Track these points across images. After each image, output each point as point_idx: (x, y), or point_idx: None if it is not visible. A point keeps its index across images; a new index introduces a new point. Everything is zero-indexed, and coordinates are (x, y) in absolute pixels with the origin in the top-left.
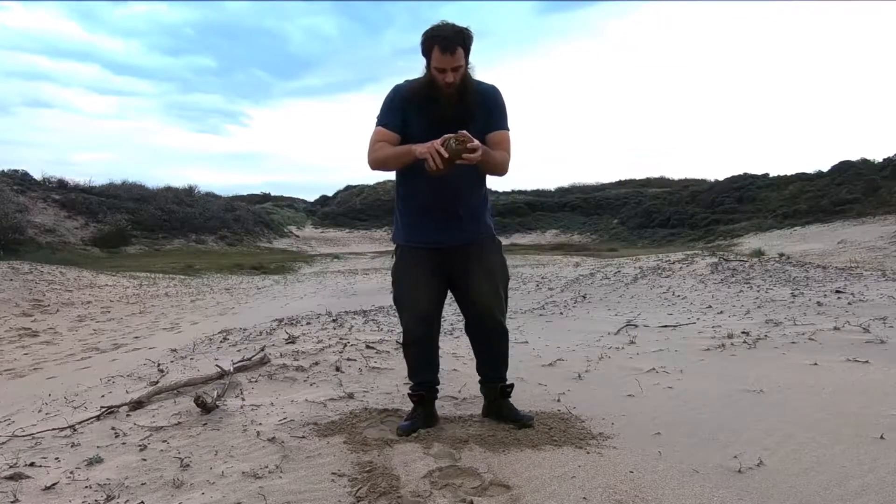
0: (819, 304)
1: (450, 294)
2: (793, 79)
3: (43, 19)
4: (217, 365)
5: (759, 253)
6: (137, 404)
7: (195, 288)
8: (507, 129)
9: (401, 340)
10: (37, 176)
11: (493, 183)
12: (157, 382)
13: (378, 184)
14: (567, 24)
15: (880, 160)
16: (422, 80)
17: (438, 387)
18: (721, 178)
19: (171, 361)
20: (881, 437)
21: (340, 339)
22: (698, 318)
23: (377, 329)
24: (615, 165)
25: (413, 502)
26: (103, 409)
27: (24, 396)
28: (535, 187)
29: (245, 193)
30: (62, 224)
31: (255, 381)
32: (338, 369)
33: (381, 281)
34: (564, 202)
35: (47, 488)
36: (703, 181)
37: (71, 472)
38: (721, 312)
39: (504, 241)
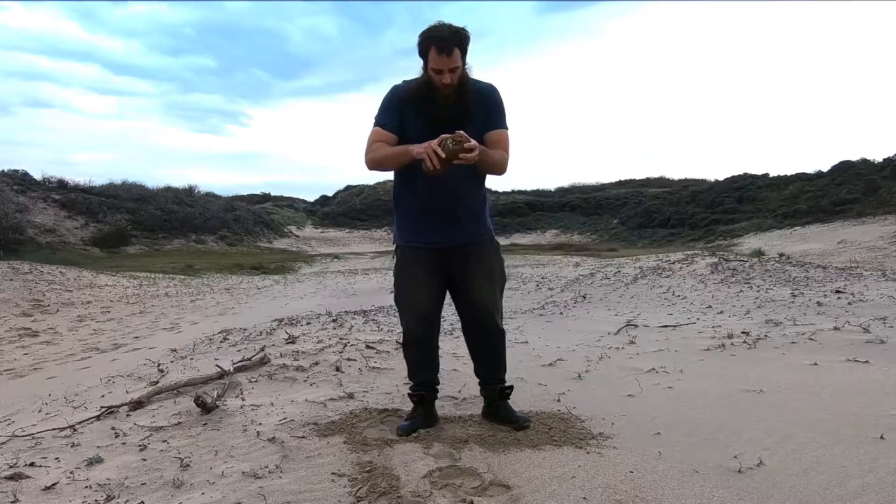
0: (819, 304)
1: (449, 294)
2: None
3: (43, 19)
4: (217, 365)
5: (759, 253)
6: (137, 404)
7: (195, 288)
8: (506, 128)
9: (401, 340)
10: (37, 176)
11: (492, 183)
12: (157, 382)
13: (378, 184)
14: (567, 24)
15: (880, 160)
16: (419, 81)
17: (438, 387)
18: (721, 178)
19: (171, 361)
20: (881, 437)
21: (340, 339)
22: (698, 318)
23: (377, 329)
24: (615, 165)
25: (413, 502)
26: (103, 409)
27: (24, 396)
28: (535, 187)
29: (245, 193)
30: (62, 224)
31: (255, 381)
32: (338, 369)
33: (381, 281)
34: (564, 202)
35: (47, 488)
36: (703, 181)
37: (71, 472)
38: (721, 312)
39: (504, 241)
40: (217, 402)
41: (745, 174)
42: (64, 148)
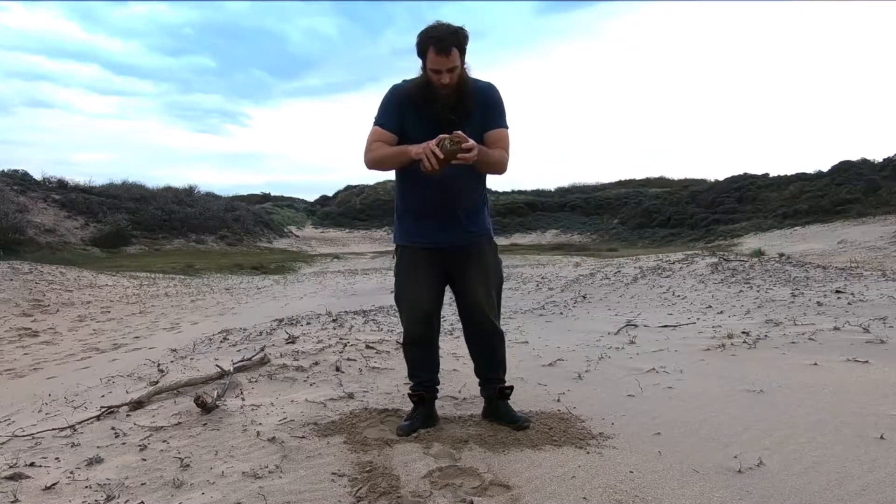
0: (819, 304)
1: (449, 294)
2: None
3: (43, 19)
4: (217, 365)
5: (759, 253)
6: (137, 404)
7: (195, 288)
8: (506, 127)
9: (401, 340)
10: (37, 176)
11: (493, 183)
12: (157, 382)
13: (378, 184)
14: (566, 25)
15: (880, 160)
16: (418, 81)
17: (438, 387)
18: (721, 178)
19: (171, 361)
20: (881, 437)
21: (340, 339)
22: (698, 318)
23: (377, 329)
24: (615, 165)
25: (413, 502)
26: (103, 409)
27: (24, 396)
28: (535, 187)
29: (245, 193)
30: (62, 224)
31: (255, 381)
32: (338, 369)
33: (381, 281)
34: (564, 202)
35: (47, 488)
36: (703, 181)
37: (71, 472)
38: (721, 312)
39: (504, 241)
40: (217, 402)
41: (745, 174)
42: (64, 148)
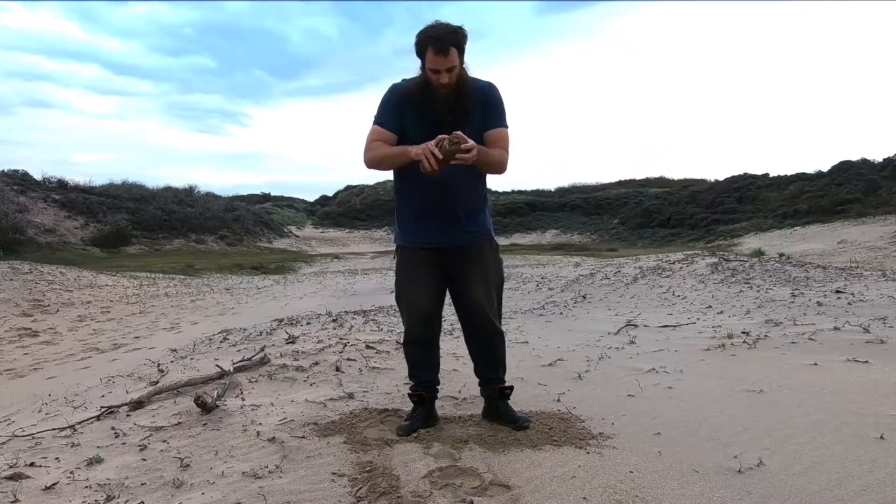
0: (819, 304)
1: (449, 294)
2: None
3: (43, 19)
4: (217, 365)
5: (759, 253)
6: (137, 404)
7: (195, 288)
8: (506, 127)
9: (401, 340)
10: (37, 176)
11: (493, 183)
12: (157, 382)
13: (378, 184)
14: (566, 25)
15: (880, 160)
16: (417, 81)
17: (438, 387)
18: (721, 178)
19: (171, 361)
20: (881, 437)
21: (340, 339)
22: (698, 318)
23: (377, 329)
24: (615, 165)
25: (413, 502)
26: (103, 409)
27: (24, 396)
28: (535, 187)
29: (245, 193)
30: (62, 224)
31: (255, 381)
32: (338, 369)
33: (381, 281)
34: (564, 202)
35: (47, 488)
36: (703, 181)
37: (71, 472)
38: (721, 312)
39: (504, 241)
40: (217, 402)
41: (745, 174)
42: (64, 148)
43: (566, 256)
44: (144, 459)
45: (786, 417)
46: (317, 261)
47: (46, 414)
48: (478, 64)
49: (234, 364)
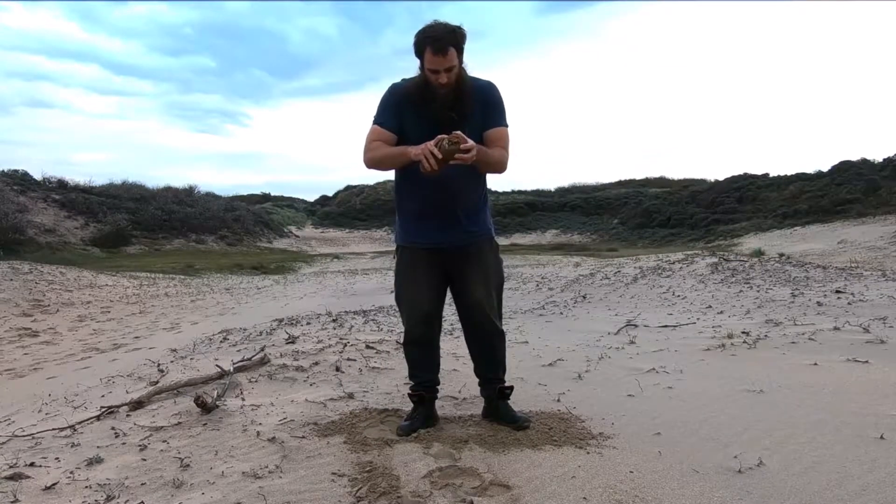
0: (819, 304)
1: (450, 294)
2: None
3: (43, 19)
4: (217, 365)
5: (759, 253)
6: (137, 404)
7: (195, 288)
8: (506, 126)
9: (401, 340)
10: (37, 176)
11: (493, 183)
12: (157, 382)
13: (378, 184)
14: (566, 25)
15: (880, 160)
16: (416, 81)
17: (438, 387)
18: (721, 178)
19: (171, 361)
20: (881, 437)
21: (340, 339)
22: (698, 318)
23: (377, 329)
24: (615, 165)
25: (413, 502)
26: (103, 409)
27: (24, 396)
28: (535, 187)
29: (245, 193)
30: (62, 224)
31: (255, 381)
32: (338, 369)
33: (381, 281)
34: (564, 202)
35: (47, 488)
36: (703, 181)
37: (71, 472)
38: (721, 312)
39: (504, 241)
40: (217, 402)
41: (745, 174)
42: (64, 148)
43: (566, 256)
44: (144, 459)
45: (786, 417)
46: (317, 261)
47: (46, 414)
48: (478, 64)
49: (234, 364)
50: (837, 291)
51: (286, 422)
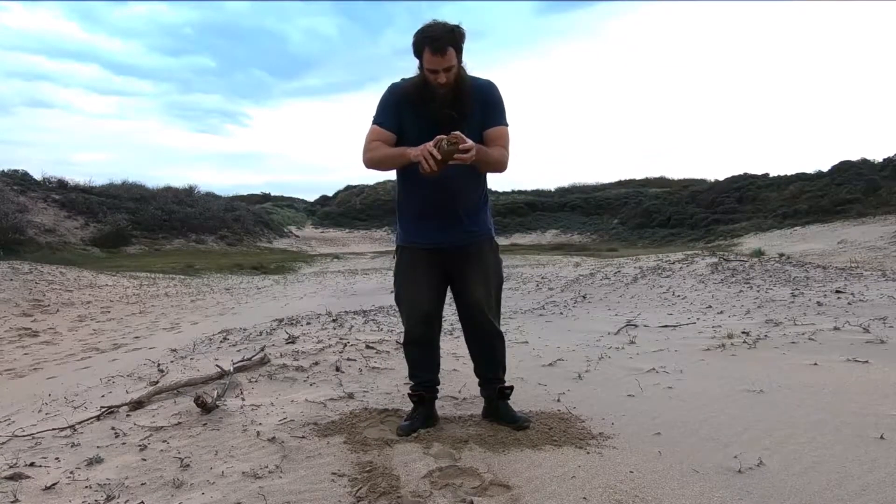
0: (819, 304)
1: (449, 294)
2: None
3: (43, 19)
4: (217, 365)
5: (759, 253)
6: (137, 404)
7: (195, 288)
8: (506, 125)
9: (401, 340)
10: (37, 176)
11: (492, 183)
12: (157, 382)
13: (378, 184)
14: (566, 25)
15: (880, 160)
16: (415, 81)
17: (438, 387)
18: (721, 178)
19: (171, 361)
20: (881, 437)
21: (340, 339)
22: (698, 318)
23: (377, 329)
24: (615, 165)
25: (413, 502)
26: (103, 409)
27: (24, 396)
28: (535, 187)
29: (245, 193)
30: (62, 224)
31: (255, 381)
32: (338, 369)
33: (381, 281)
34: (564, 202)
35: (47, 488)
36: (703, 181)
37: (71, 472)
38: (721, 312)
39: (504, 241)
40: (217, 402)
41: (745, 174)
42: (64, 148)
43: (566, 256)
44: (144, 459)
45: (786, 417)
46: (317, 261)
47: (46, 414)
48: (478, 64)
49: (234, 364)
50: (837, 291)
51: (286, 422)
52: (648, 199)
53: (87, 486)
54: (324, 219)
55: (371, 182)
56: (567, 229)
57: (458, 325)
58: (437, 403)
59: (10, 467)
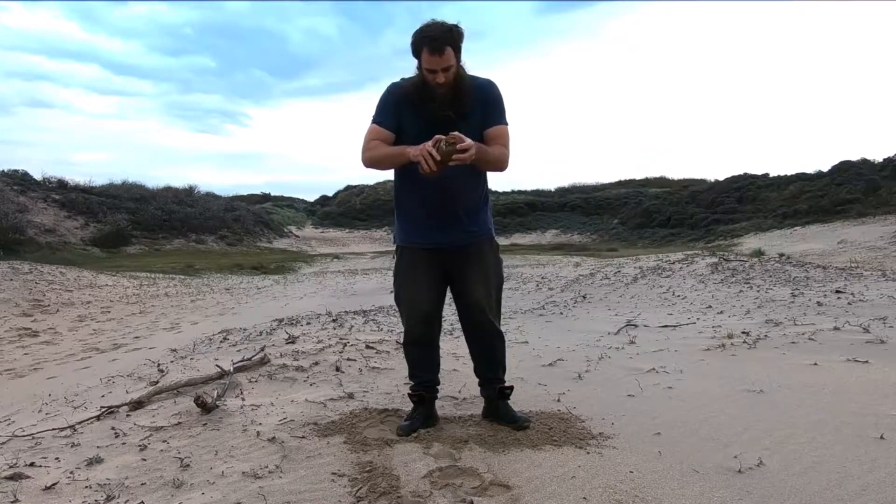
0: (819, 304)
1: (450, 294)
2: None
3: (43, 19)
4: (217, 365)
5: (759, 253)
6: (137, 404)
7: (195, 288)
8: (506, 124)
9: (401, 340)
10: (37, 176)
11: (493, 183)
12: (157, 382)
13: (378, 184)
14: (566, 25)
15: (880, 160)
16: (414, 80)
17: (438, 387)
18: (721, 178)
19: (171, 361)
20: (881, 437)
21: (340, 339)
22: (698, 318)
23: (377, 329)
24: (615, 165)
25: (413, 502)
26: (103, 409)
27: (24, 396)
28: (535, 187)
29: (245, 193)
30: (62, 224)
31: (255, 381)
32: (338, 369)
33: (381, 281)
34: (564, 202)
35: (47, 488)
36: (703, 181)
37: (71, 472)
38: (721, 312)
39: (504, 241)
40: (217, 402)
41: (745, 174)
42: (64, 148)
43: (566, 256)
44: (144, 459)
45: (786, 417)
46: (317, 261)
47: (46, 414)
48: (478, 64)
49: (234, 364)
50: (837, 291)
51: (286, 422)
52: (648, 199)
53: (87, 486)
54: (324, 219)
55: (371, 182)
56: (567, 229)
57: (458, 325)
58: (437, 403)
59: (10, 467)
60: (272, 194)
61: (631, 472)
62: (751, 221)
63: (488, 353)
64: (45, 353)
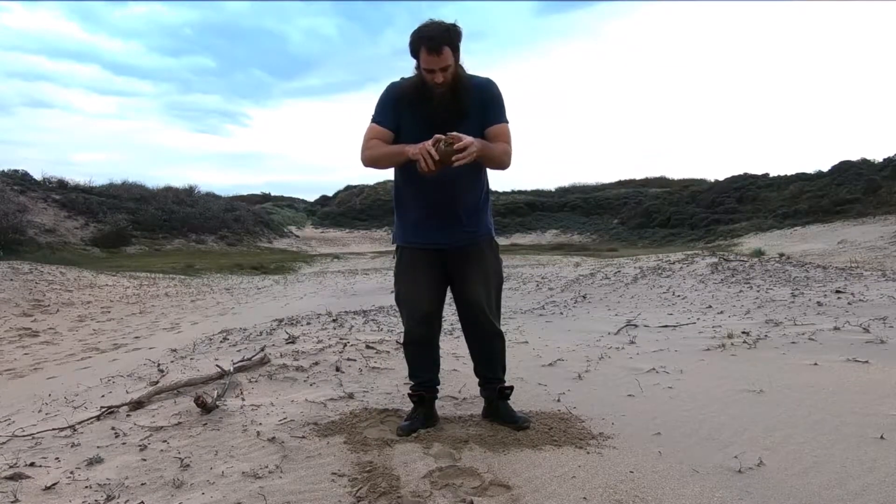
0: (819, 304)
1: (450, 294)
2: (793, 79)
3: (43, 19)
4: (217, 365)
5: (759, 253)
6: (137, 404)
7: (195, 288)
8: (506, 122)
9: (401, 340)
10: (37, 176)
11: (492, 183)
12: (157, 382)
13: (378, 184)
14: (566, 25)
15: (880, 160)
16: (413, 80)
17: (438, 387)
18: (721, 178)
19: (171, 361)
20: (881, 437)
21: (340, 339)
22: (698, 318)
23: (377, 329)
24: (615, 165)
25: (413, 502)
26: (103, 409)
27: (24, 396)
28: (535, 187)
29: (245, 193)
30: (62, 224)
31: (255, 381)
32: (338, 369)
33: (381, 281)
34: (564, 202)
35: (47, 488)
36: (703, 181)
37: (71, 472)
38: (721, 312)
39: (504, 241)
40: (217, 402)
41: (745, 174)
42: (64, 148)
43: (566, 256)
44: (144, 459)
45: (786, 417)
46: (317, 261)
47: (46, 414)
48: (478, 64)
49: (234, 364)
50: (837, 291)
51: (286, 422)
52: (648, 199)
53: (87, 486)
54: (324, 219)
55: (371, 182)
56: (567, 229)
57: (458, 325)
58: (437, 403)
59: (10, 467)
60: (272, 194)
61: (631, 472)
62: (751, 221)
63: (488, 353)
64: (46, 353)
